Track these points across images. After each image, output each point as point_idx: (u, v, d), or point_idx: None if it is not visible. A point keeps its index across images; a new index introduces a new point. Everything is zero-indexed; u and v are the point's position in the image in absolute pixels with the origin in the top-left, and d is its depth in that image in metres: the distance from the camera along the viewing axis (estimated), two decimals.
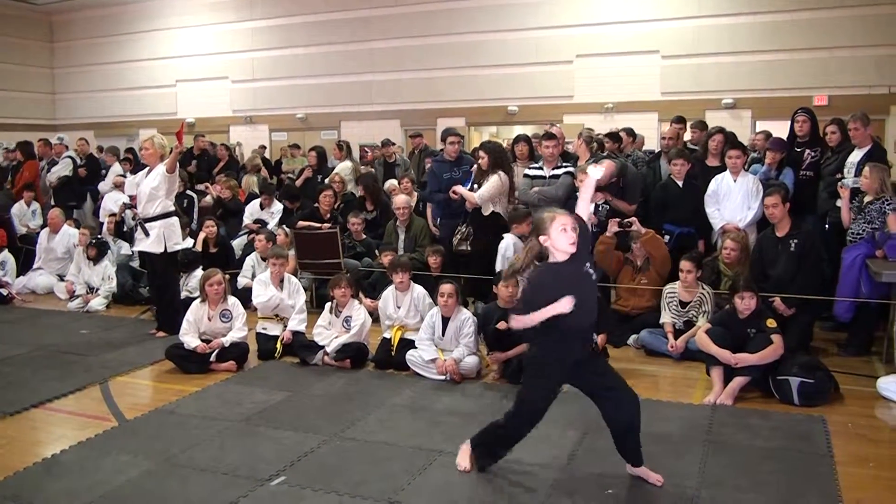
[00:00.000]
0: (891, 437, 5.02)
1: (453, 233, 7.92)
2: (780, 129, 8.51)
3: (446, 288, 6.25)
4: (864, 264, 6.40)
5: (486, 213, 7.75)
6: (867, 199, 6.63)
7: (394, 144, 12.51)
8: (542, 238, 4.00)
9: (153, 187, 7.47)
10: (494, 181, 7.68)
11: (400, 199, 8.71)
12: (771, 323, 5.71)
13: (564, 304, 3.87)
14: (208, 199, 11.36)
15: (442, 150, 8.80)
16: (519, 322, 4.03)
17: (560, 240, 3.94)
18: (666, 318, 6.80)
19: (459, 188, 7.81)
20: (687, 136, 9.49)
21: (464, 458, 4.40)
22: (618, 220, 7.22)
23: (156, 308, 8.06)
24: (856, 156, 7.30)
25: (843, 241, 6.91)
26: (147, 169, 7.68)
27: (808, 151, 7.84)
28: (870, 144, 7.35)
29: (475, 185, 7.80)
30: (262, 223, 9.98)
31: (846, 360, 6.55)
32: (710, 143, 8.11)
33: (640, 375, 6.26)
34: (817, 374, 5.57)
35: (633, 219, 7.23)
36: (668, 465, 4.39)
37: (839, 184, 7.08)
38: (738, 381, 5.56)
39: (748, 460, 4.51)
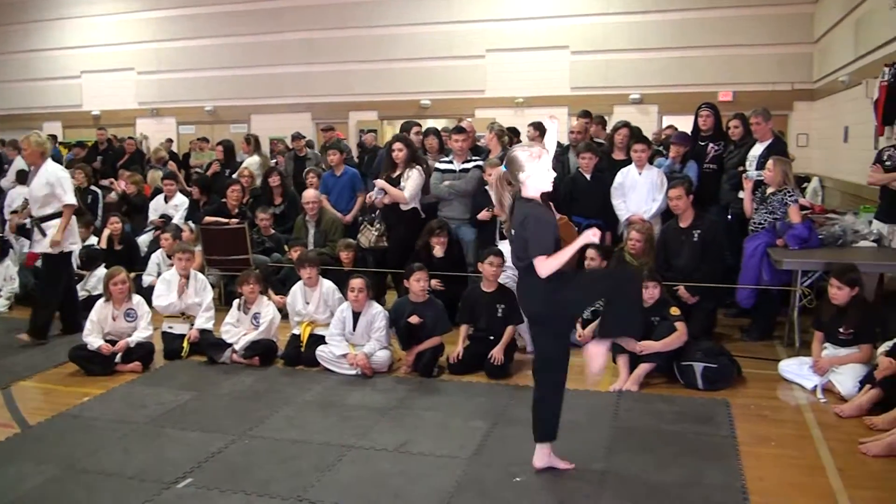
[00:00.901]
0: (792, 418, 5.21)
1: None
2: (687, 124, 8.74)
3: (356, 282, 6.22)
4: (766, 253, 6.64)
5: (406, 208, 7.76)
6: (770, 190, 6.84)
7: (304, 138, 12.36)
8: (521, 175, 3.99)
9: (44, 194, 7.15)
10: (416, 176, 7.70)
11: (309, 194, 8.62)
12: (675, 311, 5.88)
13: (590, 235, 4.00)
14: (113, 194, 11.05)
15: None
16: (549, 267, 3.90)
17: (542, 176, 4.00)
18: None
19: (385, 184, 7.76)
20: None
21: (541, 459, 4.28)
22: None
23: (32, 310, 7.58)
24: (757, 149, 7.53)
25: (744, 231, 7.14)
26: (33, 168, 7.31)
27: (711, 145, 8.06)
28: (771, 139, 7.59)
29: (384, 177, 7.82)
30: (167, 218, 9.74)
31: (749, 345, 6.79)
32: (615, 137, 8.28)
33: None
34: (720, 359, 5.77)
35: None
36: (576, 451, 4.46)
37: (744, 176, 7.29)
38: (643, 368, 5.71)
39: (654, 444, 4.63)
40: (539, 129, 10.03)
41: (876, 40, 9.82)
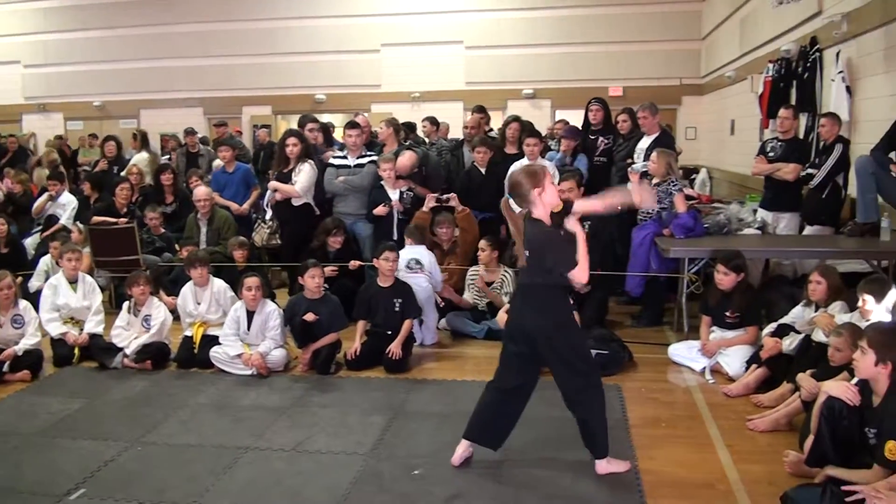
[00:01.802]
0: (682, 399, 5.39)
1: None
2: (579, 118, 8.91)
3: (251, 281, 6.12)
4: (653, 242, 6.82)
5: (298, 203, 7.67)
6: (655, 181, 7.03)
7: (196, 134, 12.08)
8: (536, 190, 3.95)
9: None
10: (308, 171, 7.63)
11: (200, 191, 8.42)
12: None
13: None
14: None
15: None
16: (583, 269, 3.94)
17: (551, 193, 3.99)
18: (468, 296, 7.04)
19: (277, 183, 7.67)
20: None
21: (612, 465, 4.17)
22: (436, 195, 7.36)
23: None
24: (645, 142, 7.74)
25: (633, 221, 7.31)
26: None
27: (601, 139, 8.25)
28: (658, 132, 7.81)
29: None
30: (54, 219, 9.34)
31: (640, 331, 6.98)
32: (506, 132, 8.38)
33: (448, 357, 6.45)
34: (612, 345, 5.93)
35: (453, 195, 7.40)
36: (473, 444, 4.48)
37: (629, 169, 7.47)
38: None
39: (548, 430, 4.69)
40: (434, 124, 10.09)
41: (760, 37, 10.25)
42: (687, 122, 14.51)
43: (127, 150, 11.48)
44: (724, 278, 5.83)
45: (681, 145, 11.80)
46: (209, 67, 15.92)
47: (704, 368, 5.78)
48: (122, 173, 9.86)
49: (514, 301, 4.31)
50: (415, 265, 6.77)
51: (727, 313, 5.87)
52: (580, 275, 3.95)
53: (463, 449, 4.29)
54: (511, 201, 4.21)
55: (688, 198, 7.57)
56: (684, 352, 6.06)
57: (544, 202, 3.97)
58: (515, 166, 7.75)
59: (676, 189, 6.92)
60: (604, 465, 4.15)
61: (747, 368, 5.50)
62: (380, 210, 7.44)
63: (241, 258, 7.57)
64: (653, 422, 4.90)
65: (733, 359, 5.69)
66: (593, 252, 6.66)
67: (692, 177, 12.27)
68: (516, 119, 8.57)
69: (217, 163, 9.98)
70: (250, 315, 6.14)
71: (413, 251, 6.87)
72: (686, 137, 14.18)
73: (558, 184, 7.17)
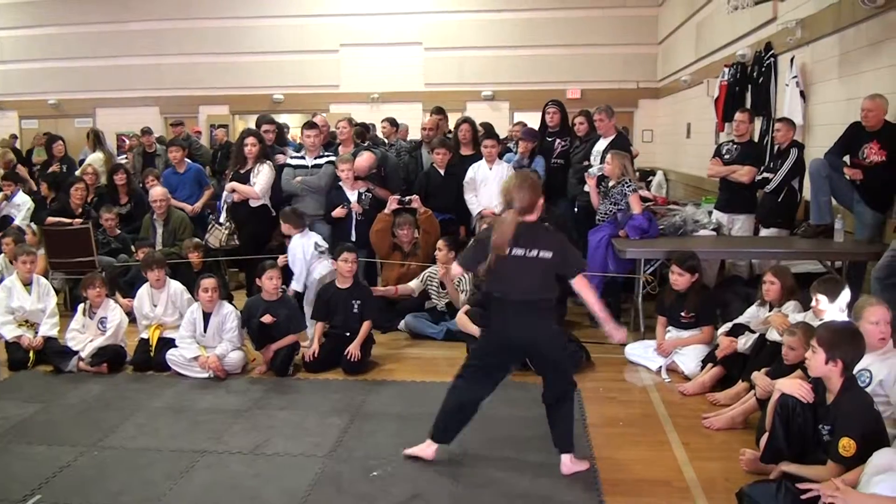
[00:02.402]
0: (639, 398, 5.46)
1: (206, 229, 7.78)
2: (537, 120, 8.95)
3: (208, 282, 6.07)
4: (609, 244, 6.88)
5: (256, 204, 7.63)
6: (611, 183, 7.10)
7: (151, 133, 11.92)
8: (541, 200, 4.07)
9: None
10: (267, 171, 7.60)
11: (157, 192, 8.31)
12: None
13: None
14: None
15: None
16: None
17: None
18: (414, 284, 7.13)
19: (236, 184, 7.61)
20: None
21: (575, 465, 4.20)
22: (398, 197, 7.36)
23: None
24: (601, 144, 7.80)
25: (591, 222, 7.38)
26: None
27: (558, 141, 8.31)
28: (614, 134, 7.87)
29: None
30: (8, 219, 9.18)
31: (597, 332, 6.94)
32: (458, 134, 8.39)
33: (406, 358, 6.47)
34: (569, 345, 5.94)
35: (415, 196, 7.40)
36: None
37: (586, 173, 7.52)
38: None
39: (508, 430, 4.74)
40: (394, 125, 10.08)
41: (716, 42, 10.40)
42: (644, 125, 14.67)
43: (82, 149, 11.31)
44: (679, 279, 5.91)
45: (637, 148, 11.96)
46: (166, 66, 15.73)
47: (660, 368, 5.87)
48: (77, 173, 9.72)
49: (506, 316, 4.15)
50: (322, 249, 6.87)
51: (682, 313, 5.95)
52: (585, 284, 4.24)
53: (434, 449, 4.34)
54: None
55: (644, 199, 7.66)
56: (641, 351, 6.14)
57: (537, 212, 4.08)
58: (472, 168, 7.80)
59: (631, 190, 7.00)
60: (569, 464, 4.19)
61: (703, 367, 5.59)
62: (338, 212, 7.41)
63: (197, 259, 7.51)
64: (610, 421, 4.96)
65: (689, 358, 5.78)
66: None
67: (648, 179, 12.41)
68: (466, 120, 8.57)
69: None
70: (207, 317, 6.10)
71: (312, 236, 6.96)
72: (643, 140, 14.35)
73: None
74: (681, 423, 4.89)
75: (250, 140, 7.66)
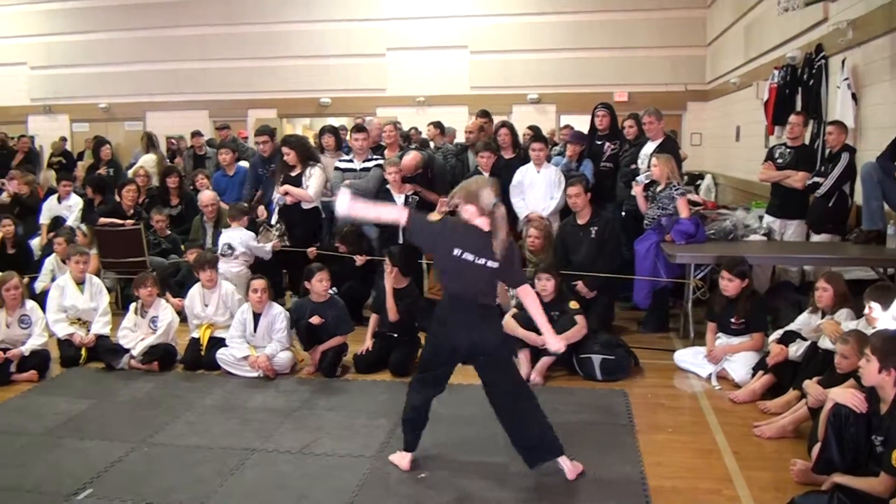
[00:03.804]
0: (688, 405, 5.40)
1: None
2: (584, 123, 8.92)
3: (258, 283, 6.14)
4: (658, 250, 6.81)
5: (308, 207, 7.70)
6: (659, 187, 7.03)
7: (201, 135, 12.09)
8: (467, 206, 4.01)
9: None
10: (319, 175, 7.67)
11: (206, 196, 8.44)
12: (574, 305, 5.99)
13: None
14: (4, 195, 10.58)
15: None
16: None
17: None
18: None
19: (292, 188, 7.66)
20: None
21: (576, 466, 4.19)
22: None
23: None
24: (649, 148, 7.73)
25: (639, 226, 7.31)
26: None
27: (607, 144, 8.25)
28: (662, 137, 7.80)
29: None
30: (61, 220, 9.37)
31: (645, 337, 6.98)
32: (499, 138, 8.37)
33: None
34: (617, 350, 5.93)
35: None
36: (479, 445, 4.56)
37: (634, 181, 7.45)
38: (545, 361, 5.80)
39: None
40: (439, 128, 10.10)
41: (765, 44, 10.25)
42: (692, 128, 14.52)
43: (133, 151, 11.51)
44: (729, 284, 5.83)
45: (686, 151, 11.82)
46: (214, 70, 15.95)
47: (710, 375, 5.78)
48: (129, 174, 9.88)
49: (456, 316, 4.11)
50: (227, 250, 7.05)
51: (732, 319, 5.86)
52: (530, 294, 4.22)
53: (409, 460, 4.34)
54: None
55: (693, 203, 7.58)
56: (690, 358, 6.06)
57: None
58: (520, 171, 7.78)
59: (679, 193, 6.91)
60: (570, 466, 4.16)
61: (753, 375, 5.50)
62: None
63: None
64: (659, 427, 4.91)
65: (739, 365, 5.69)
66: (600, 257, 6.75)
67: (697, 183, 12.29)
68: (505, 124, 8.56)
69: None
70: (257, 317, 6.17)
71: (226, 235, 7.28)
72: (691, 143, 14.19)
73: (565, 189, 7.22)
74: (731, 430, 4.82)
75: (284, 149, 7.75)
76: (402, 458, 4.34)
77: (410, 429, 4.30)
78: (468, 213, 4.02)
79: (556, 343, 4.28)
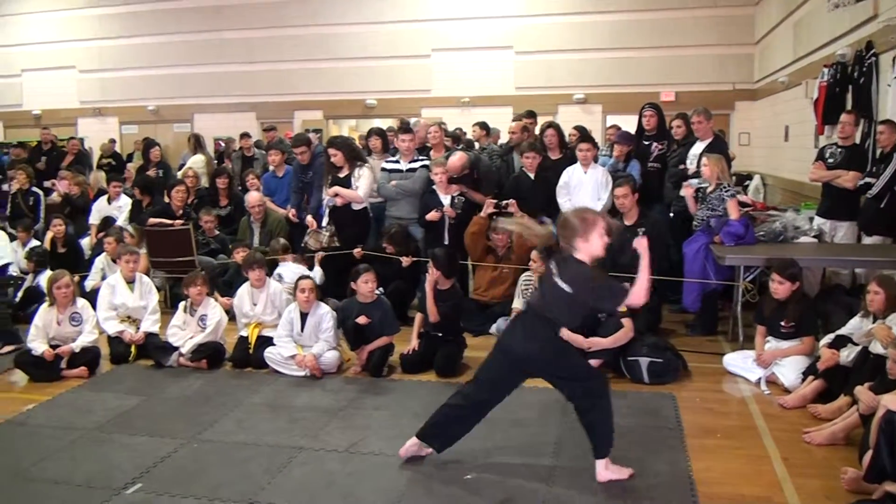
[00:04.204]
0: (737, 409, 5.32)
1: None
2: (630, 123, 8.84)
3: (305, 283, 6.20)
4: (708, 252, 6.74)
5: (358, 207, 7.74)
6: (709, 189, 6.96)
7: (250, 137, 12.24)
8: (577, 240, 3.95)
9: None
10: (367, 175, 7.70)
11: (253, 197, 8.54)
12: (621, 307, 5.92)
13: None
14: (55, 196, 10.81)
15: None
16: (641, 297, 4.01)
17: (597, 245, 3.97)
18: (518, 304, 6.93)
19: (342, 189, 7.68)
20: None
21: (610, 471, 4.16)
22: (494, 201, 7.37)
23: None
24: (698, 148, 7.66)
25: (688, 228, 7.24)
26: None
27: (655, 144, 8.18)
28: (711, 137, 7.72)
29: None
30: (111, 220, 9.54)
31: (694, 340, 6.90)
32: (545, 139, 8.35)
33: None
34: (665, 353, 5.87)
35: (512, 201, 7.39)
36: (526, 447, 4.56)
37: (685, 183, 7.36)
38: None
39: None
40: (484, 129, 10.10)
41: (814, 42, 10.07)
42: (740, 128, 14.30)
43: (182, 152, 11.68)
44: (779, 287, 5.75)
45: (734, 151, 11.68)
46: (261, 73, 16.09)
47: (760, 379, 5.70)
48: (178, 175, 10.02)
49: (515, 327, 4.31)
50: (278, 279, 7.11)
51: (782, 323, 5.78)
52: (637, 298, 3.98)
53: (413, 445, 4.39)
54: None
55: (742, 204, 7.48)
56: (739, 362, 5.98)
57: (588, 251, 3.97)
58: (567, 172, 7.74)
59: (729, 195, 6.83)
60: (603, 471, 4.13)
61: (803, 380, 5.40)
62: (431, 215, 7.47)
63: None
64: (708, 432, 4.85)
65: (789, 370, 5.59)
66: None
67: (745, 183, 12.12)
68: (551, 125, 8.55)
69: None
70: (304, 317, 6.22)
71: (279, 270, 7.48)
72: (739, 143, 13.99)
73: (612, 190, 7.17)
74: (780, 436, 4.74)
75: (330, 151, 7.77)
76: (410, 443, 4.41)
77: (435, 420, 4.36)
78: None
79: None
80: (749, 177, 12.57)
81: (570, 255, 3.99)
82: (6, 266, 7.14)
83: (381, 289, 6.56)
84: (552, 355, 4.10)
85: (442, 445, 4.36)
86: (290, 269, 7.50)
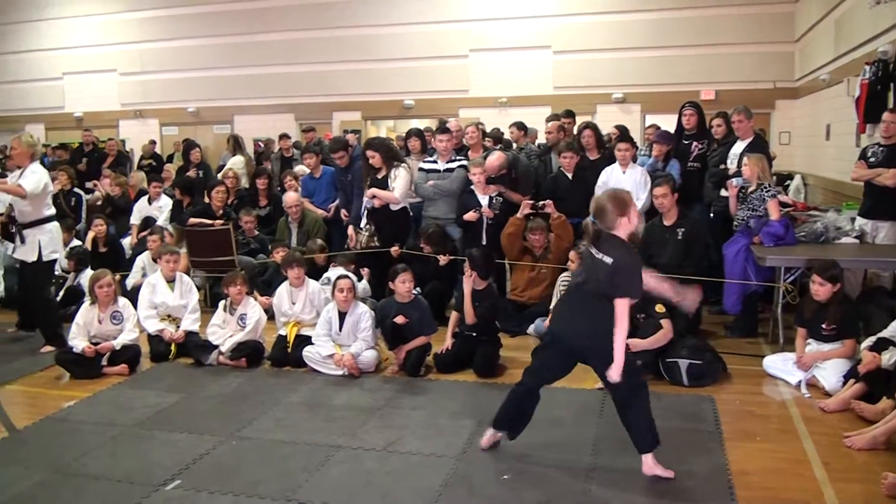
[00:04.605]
0: (777, 413, 5.26)
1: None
2: (670, 123, 8.77)
3: (343, 283, 6.24)
4: (749, 253, 6.67)
5: (396, 208, 7.77)
6: (750, 188, 6.89)
7: (289, 138, 12.34)
8: (619, 220, 4.07)
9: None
10: (404, 175, 7.71)
11: (290, 198, 8.61)
12: (660, 308, 5.86)
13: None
14: (96, 196, 10.98)
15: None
16: (624, 314, 4.04)
17: (635, 221, 4.13)
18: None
19: (378, 191, 7.71)
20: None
21: (657, 468, 4.20)
22: (531, 201, 7.36)
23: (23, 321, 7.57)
24: (738, 147, 7.56)
25: (728, 227, 7.18)
26: (20, 170, 6.96)
27: (695, 143, 8.09)
28: (752, 136, 7.63)
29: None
30: (151, 220, 9.67)
31: (734, 342, 6.82)
32: (582, 140, 8.31)
33: None
34: (705, 355, 5.81)
35: (549, 202, 7.38)
36: (563, 448, 4.55)
37: (728, 181, 7.29)
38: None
39: None
40: (522, 129, 10.08)
41: (856, 39, 9.90)
42: (781, 127, 14.13)
43: (222, 153, 11.79)
44: (820, 289, 5.67)
45: (774, 150, 11.54)
46: (300, 74, 16.21)
47: (800, 382, 5.62)
48: (219, 176, 10.12)
49: (563, 306, 4.49)
50: (326, 282, 7.04)
51: (823, 325, 5.70)
52: (623, 308, 4.01)
53: (489, 434, 4.51)
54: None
55: (783, 205, 7.39)
56: (779, 364, 5.90)
57: (627, 229, 4.10)
58: (605, 172, 7.71)
59: (770, 195, 6.76)
60: (650, 464, 4.16)
61: (844, 383, 5.33)
62: (469, 215, 7.48)
63: (322, 260, 7.73)
64: (747, 435, 4.80)
65: (830, 373, 5.52)
66: (686, 259, 6.63)
67: (786, 183, 11.97)
68: (588, 126, 8.53)
69: (301, 168, 10.15)
70: (342, 316, 6.25)
71: (328, 273, 7.35)
72: (780, 142, 13.82)
73: (651, 190, 7.13)
74: (820, 440, 4.68)
75: (368, 153, 7.79)
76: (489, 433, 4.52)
77: (509, 408, 4.45)
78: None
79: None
80: (790, 176, 12.41)
81: (608, 234, 4.10)
82: (54, 262, 7.23)
83: (418, 289, 6.58)
84: (602, 340, 4.11)
85: (511, 431, 4.48)
86: (338, 274, 7.53)
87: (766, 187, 6.77)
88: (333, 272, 7.36)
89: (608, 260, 4.03)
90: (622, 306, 3.99)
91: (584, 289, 4.21)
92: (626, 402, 4.17)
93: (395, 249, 7.50)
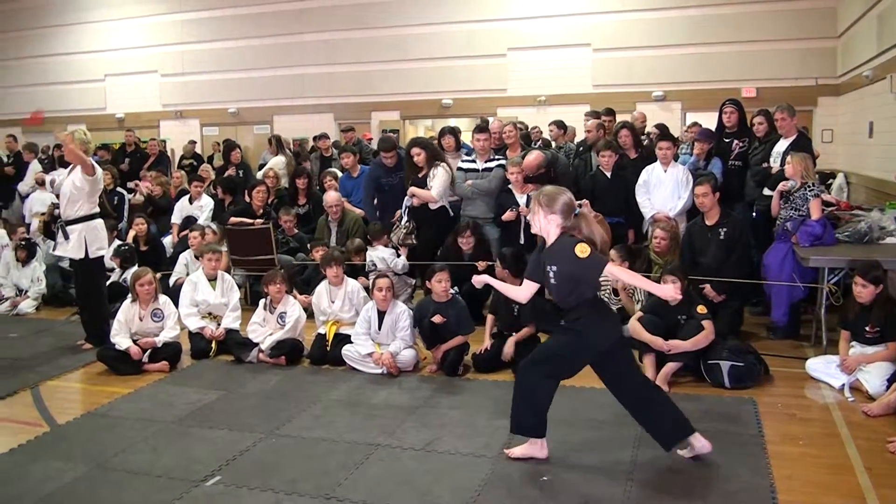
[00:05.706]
0: (820, 416, 5.17)
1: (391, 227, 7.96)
2: (710, 121, 8.69)
3: (382, 282, 6.26)
4: (792, 260, 6.57)
5: (435, 206, 7.80)
6: (794, 188, 6.78)
7: (328, 138, 12.40)
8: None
9: (75, 187, 6.95)
10: (442, 175, 7.73)
11: (331, 197, 8.66)
12: (701, 309, 5.82)
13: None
14: (138, 195, 11.14)
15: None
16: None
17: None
18: None
19: (417, 189, 7.76)
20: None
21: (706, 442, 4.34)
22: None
23: (81, 317, 7.59)
24: (782, 145, 7.46)
25: (771, 227, 7.09)
26: (70, 167, 7.13)
27: (736, 142, 8.00)
28: (795, 134, 7.53)
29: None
30: (192, 220, 9.78)
31: (776, 344, 6.73)
32: (619, 139, 8.27)
33: None
34: (747, 357, 5.73)
35: (585, 201, 7.34)
36: (603, 449, 4.53)
37: (781, 183, 7.17)
38: (670, 367, 5.67)
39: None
40: (561, 128, 10.04)
41: None
42: (823, 124, 13.92)
43: (262, 153, 11.89)
44: (863, 290, 5.58)
45: (817, 148, 11.38)
46: (339, 74, 16.33)
47: (843, 385, 5.53)
48: (259, 175, 10.21)
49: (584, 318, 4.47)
50: (372, 266, 7.25)
51: (867, 327, 5.60)
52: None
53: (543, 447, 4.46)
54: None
55: (827, 204, 7.27)
56: (822, 367, 5.81)
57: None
58: (646, 170, 7.66)
59: (813, 194, 6.66)
60: (702, 440, 4.27)
61: (888, 387, 5.23)
62: (507, 215, 7.47)
63: (361, 260, 7.78)
64: (790, 439, 4.73)
65: (874, 376, 5.41)
66: (728, 260, 6.55)
67: (828, 182, 11.79)
68: (625, 125, 8.48)
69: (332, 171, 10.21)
70: (381, 315, 6.27)
71: (370, 255, 7.57)
72: (822, 140, 13.60)
73: (692, 189, 7.06)
74: (864, 445, 4.60)
75: (415, 150, 7.85)
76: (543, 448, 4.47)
77: (540, 412, 4.44)
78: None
79: (668, 291, 4.41)
80: (832, 175, 12.22)
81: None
82: (102, 258, 7.33)
83: (455, 288, 6.59)
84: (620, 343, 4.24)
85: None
86: (379, 254, 7.69)
87: (809, 186, 6.67)
88: (373, 252, 7.37)
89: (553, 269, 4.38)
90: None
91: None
92: (646, 398, 4.26)
93: (480, 263, 7.37)
